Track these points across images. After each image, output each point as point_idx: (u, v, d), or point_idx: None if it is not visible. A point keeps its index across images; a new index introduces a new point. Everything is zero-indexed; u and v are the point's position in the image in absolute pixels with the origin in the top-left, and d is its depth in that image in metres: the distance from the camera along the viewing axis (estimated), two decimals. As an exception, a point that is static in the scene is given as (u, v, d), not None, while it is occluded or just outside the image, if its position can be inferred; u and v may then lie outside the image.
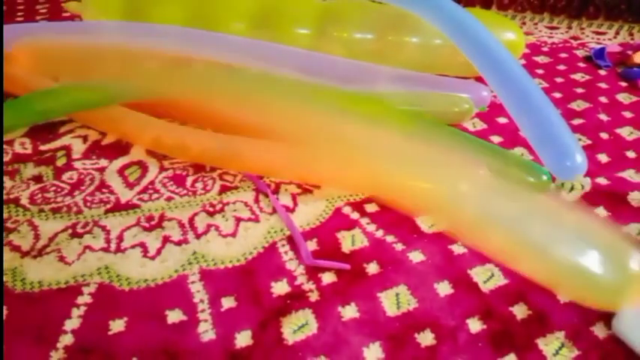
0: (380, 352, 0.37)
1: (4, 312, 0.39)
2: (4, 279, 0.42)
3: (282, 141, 0.47)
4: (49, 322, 0.39)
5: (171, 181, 0.53)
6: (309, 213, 0.49)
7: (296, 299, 0.41)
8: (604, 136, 0.63)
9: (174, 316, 0.39)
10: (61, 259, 0.44)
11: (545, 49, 0.87)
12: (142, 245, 0.45)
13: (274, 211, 0.49)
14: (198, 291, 0.41)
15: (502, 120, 0.65)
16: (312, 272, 0.43)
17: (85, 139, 0.60)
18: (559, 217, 0.36)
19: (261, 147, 0.51)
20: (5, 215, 0.48)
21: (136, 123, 0.58)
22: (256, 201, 0.51)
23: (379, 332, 0.38)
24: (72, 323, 0.38)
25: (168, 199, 0.51)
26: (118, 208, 0.50)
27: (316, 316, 0.39)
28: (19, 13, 0.98)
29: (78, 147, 0.58)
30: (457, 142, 0.54)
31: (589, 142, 0.62)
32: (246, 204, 0.50)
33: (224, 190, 0.52)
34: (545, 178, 0.50)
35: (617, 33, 0.93)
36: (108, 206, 0.50)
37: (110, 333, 0.38)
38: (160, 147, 0.57)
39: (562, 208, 0.39)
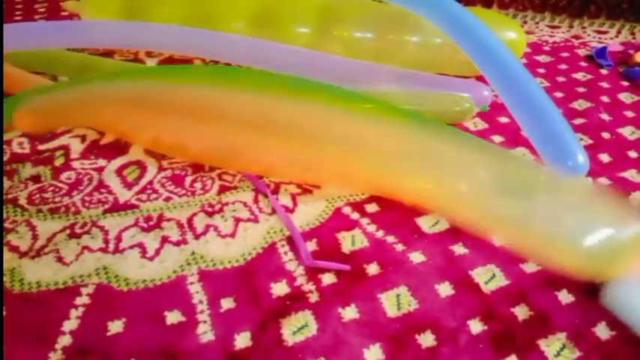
0: (380, 354, 0.36)
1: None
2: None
3: (282, 140, 0.46)
4: (47, 322, 0.38)
5: (170, 181, 0.53)
6: (309, 213, 0.49)
7: (296, 300, 0.40)
8: (605, 135, 0.63)
9: (173, 317, 0.39)
10: (60, 259, 0.44)
11: (546, 48, 0.87)
12: (141, 246, 0.45)
13: (274, 211, 0.49)
14: (197, 292, 0.41)
15: (503, 119, 0.65)
16: (312, 273, 0.43)
17: (83, 138, 0.59)
18: (554, 186, 0.35)
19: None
20: (4, 215, 0.48)
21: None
22: (255, 201, 0.50)
23: (379, 333, 0.38)
24: (70, 324, 0.38)
25: (167, 199, 0.51)
26: (117, 208, 0.49)
27: (316, 317, 0.39)
28: (18, 12, 0.98)
29: (76, 147, 0.58)
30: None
31: (590, 141, 0.61)
32: (245, 204, 0.50)
33: (223, 190, 0.52)
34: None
35: (619, 32, 0.93)
36: (106, 206, 0.50)
37: (109, 334, 0.38)
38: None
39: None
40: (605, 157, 0.58)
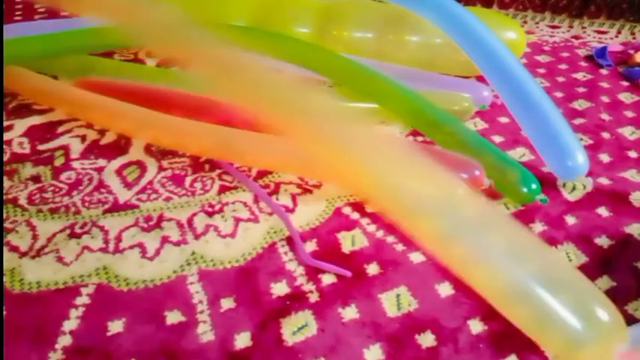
0: (380, 354, 0.36)
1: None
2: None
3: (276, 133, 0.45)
4: (47, 322, 0.38)
5: (170, 181, 0.53)
6: (309, 213, 0.49)
7: (296, 300, 0.40)
8: (606, 135, 0.63)
9: (173, 317, 0.39)
10: (60, 259, 0.44)
11: (546, 48, 0.87)
12: (141, 246, 0.45)
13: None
14: (197, 292, 0.41)
15: (503, 119, 0.64)
16: (312, 273, 0.43)
17: (83, 138, 0.59)
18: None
19: (260, 141, 0.50)
20: (4, 215, 0.48)
21: (136, 118, 0.56)
22: (256, 201, 0.50)
23: (380, 333, 0.38)
24: (70, 324, 0.38)
25: (167, 199, 0.51)
26: (117, 208, 0.49)
27: (316, 317, 0.39)
28: (18, 13, 0.98)
29: (76, 147, 0.58)
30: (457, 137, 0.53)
31: (590, 141, 0.61)
32: (245, 204, 0.50)
33: (223, 190, 0.52)
34: (534, 186, 0.49)
35: (619, 32, 0.93)
36: (106, 206, 0.50)
37: (109, 334, 0.38)
38: (159, 142, 0.56)
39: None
40: (605, 157, 0.58)
